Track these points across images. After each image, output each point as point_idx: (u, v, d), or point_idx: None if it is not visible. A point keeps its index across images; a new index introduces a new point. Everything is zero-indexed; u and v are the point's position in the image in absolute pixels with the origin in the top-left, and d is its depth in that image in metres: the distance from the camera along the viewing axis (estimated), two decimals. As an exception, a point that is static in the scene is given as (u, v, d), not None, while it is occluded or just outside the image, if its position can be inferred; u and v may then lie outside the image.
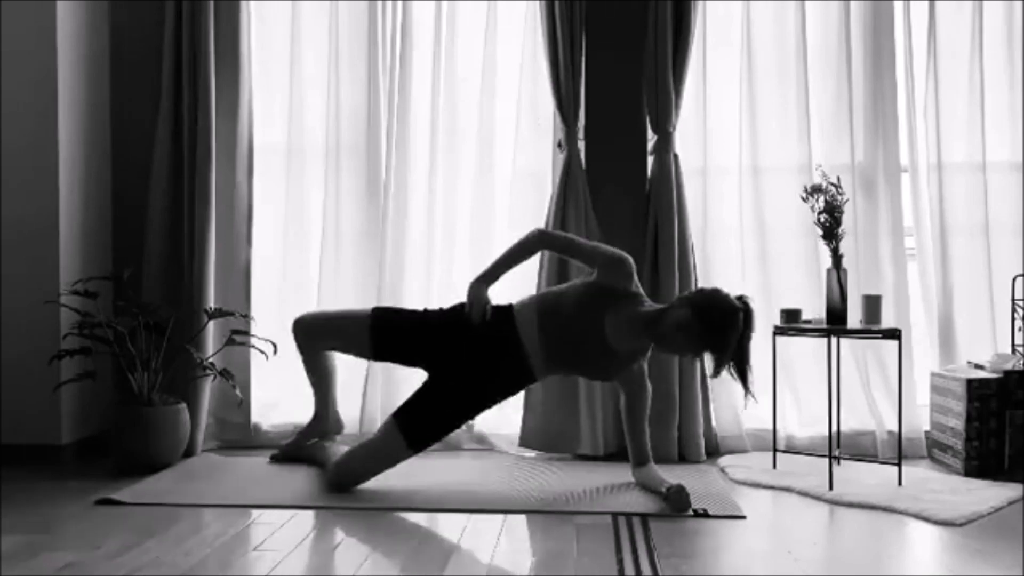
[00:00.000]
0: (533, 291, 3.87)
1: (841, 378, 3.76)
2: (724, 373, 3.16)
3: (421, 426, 3.28)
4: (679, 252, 3.92)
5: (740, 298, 3.17)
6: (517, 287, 3.78)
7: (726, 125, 4.12)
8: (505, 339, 3.30)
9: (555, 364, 3.35)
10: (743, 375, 3.14)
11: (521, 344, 3.30)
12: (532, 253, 3.47)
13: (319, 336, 3.52)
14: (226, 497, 3.22)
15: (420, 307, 3.60)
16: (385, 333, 3.41)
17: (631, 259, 3.31)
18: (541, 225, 3.94)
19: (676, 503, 3.08)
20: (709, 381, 3.95)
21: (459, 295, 4.05)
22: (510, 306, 3.37)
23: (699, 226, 4.09)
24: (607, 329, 3.24)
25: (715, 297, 3.16)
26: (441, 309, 3.46)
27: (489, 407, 3.41)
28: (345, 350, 3.56)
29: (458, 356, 3.32)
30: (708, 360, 3.20)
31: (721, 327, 3.09)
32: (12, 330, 3.78)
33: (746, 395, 3.17)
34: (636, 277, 3.32)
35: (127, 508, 3.09)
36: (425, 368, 3.39)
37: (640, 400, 3.43)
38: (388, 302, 3.99)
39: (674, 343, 3.18)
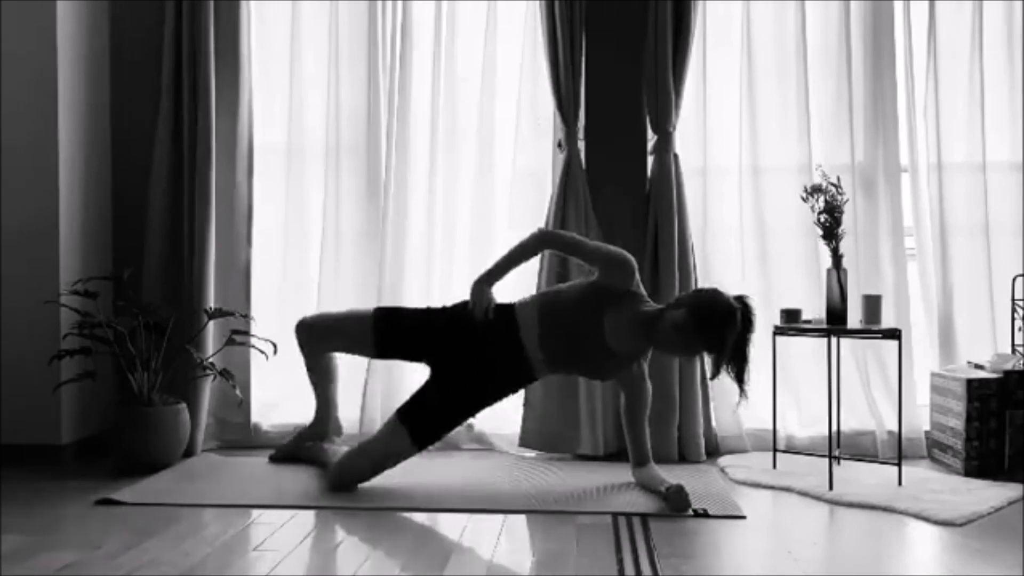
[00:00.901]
0: (533, 290, 3.87)
1: (841, 378, 3.76)
2: (723, 374, 3.16)
3: (426, 423, 3.30)
4: (679, 252, 3.91)
5: (739, 298, 3.16)
6: (519, 284, 3.79)
7: (726, 125, 4.11)
8: (506, 337, 3.31)
9: (554, 363, 3.35)
10: (740, 375, 3.14)
11: (521, 343, 3.30)
12: (535, 253, 3.48)
13: (323, 337, 3.54)
14: (226, 497, 3.22)
15: (422, 306, 3.61)
16: (387, 331, 3.43)
17: (633, 259, 3.31)
18: (541, 224, 3.95)
19: (675, 503, 3.08)
20: (709, 381, 3.95)
21: (459, 295, 4.06)
22: (512, 305, 3.38)
23: (699, 226, 4.09)
24: (606, 328, 3.24)
25: (712, 297, 3.16)
26: (444, 307, 3.47)
27: (490, 404, 3.42)
28: (348, 350, 3.58)
29: (460, 353, 3.33)
30: (708, 360, 3.21)
31: (718, 327, 3.09)
32: (12, 330, 3.78)
33: (741, 395, 3.18)
34: (638, 277, 3.33)
35: (127, 508, 3.09)
36: (428, 364, 3.41)
37: (640, 400, 3.43)
38: (388, 302, 3.98)
39: (672, 344, 3.18)
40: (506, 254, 3.40)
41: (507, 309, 3.37)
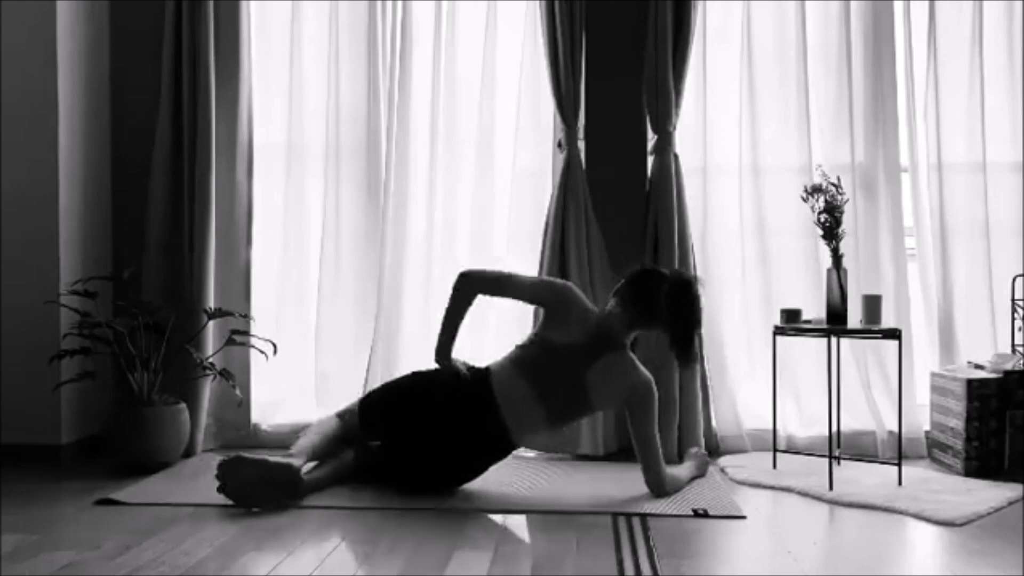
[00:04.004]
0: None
1: (841, 378, 3.76)
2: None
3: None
4: (679, 252, 3.91)
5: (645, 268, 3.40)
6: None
7: (726, 125, 4.11)
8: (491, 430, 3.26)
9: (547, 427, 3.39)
10: (688, 338, 3.24)
11: (508, 437, 3.26)
12: (469, 300, 3.27)
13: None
14: (226, 497, 3.22)
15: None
16: (371, 404, 3.37)
17: (570, 284, 3.37)
18: (541, 225, 3.96)
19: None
20: (709, 381, 3.95)
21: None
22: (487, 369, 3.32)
23: (699, 226, 4.09)
24: (589, 384, 3.25)
25: (636, 283, 3.28)
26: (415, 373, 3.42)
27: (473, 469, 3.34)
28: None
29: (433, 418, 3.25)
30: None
31: (647, 291, 3.23)
32: (12, 330, 3.78)
33: (685, 365, 3.37)
34: (581, 295, 3.34)
35: (127, 508, 3.09)
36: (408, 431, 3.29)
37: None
38: (388, 301, 4.00)
39: (622, 329, 3.28)
40: (444, 316, 3.27)
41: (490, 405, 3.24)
